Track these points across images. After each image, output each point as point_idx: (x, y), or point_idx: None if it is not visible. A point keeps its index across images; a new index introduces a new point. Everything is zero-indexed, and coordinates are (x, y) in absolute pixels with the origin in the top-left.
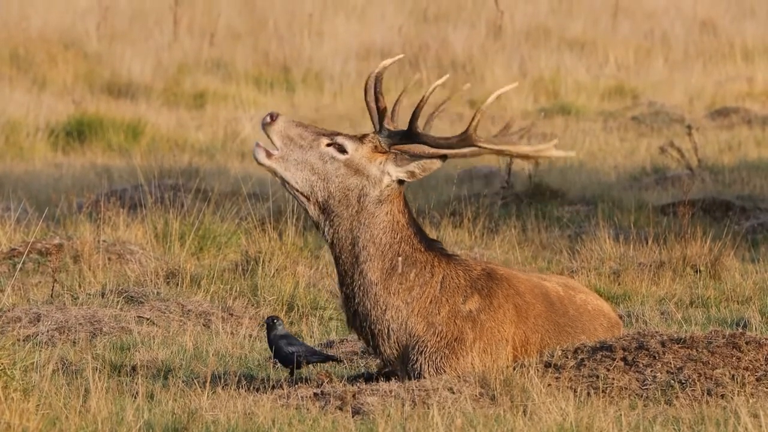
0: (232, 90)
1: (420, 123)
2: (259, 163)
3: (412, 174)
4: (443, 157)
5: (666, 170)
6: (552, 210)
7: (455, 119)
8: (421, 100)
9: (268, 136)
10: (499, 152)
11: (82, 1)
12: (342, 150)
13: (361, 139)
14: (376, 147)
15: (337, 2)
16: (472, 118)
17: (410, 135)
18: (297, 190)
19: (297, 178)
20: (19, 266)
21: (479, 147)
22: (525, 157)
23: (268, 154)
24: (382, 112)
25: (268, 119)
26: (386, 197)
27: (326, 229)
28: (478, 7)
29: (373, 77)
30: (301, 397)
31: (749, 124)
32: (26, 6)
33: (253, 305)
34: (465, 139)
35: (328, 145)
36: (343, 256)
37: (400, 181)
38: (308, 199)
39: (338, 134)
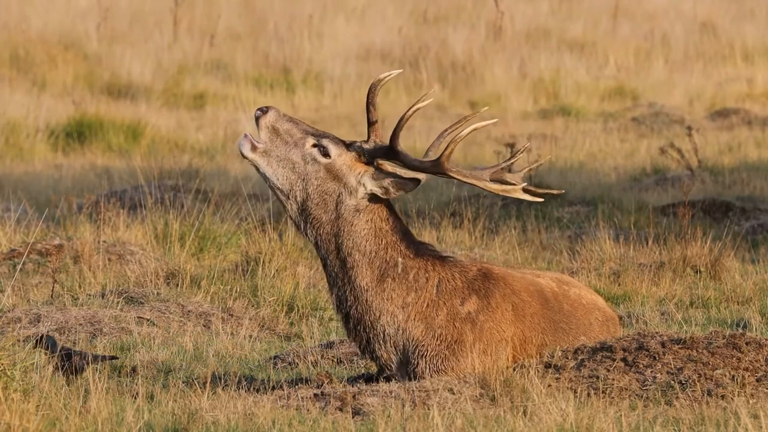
0: (232, 91)
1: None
2: (243, 156)
3: (386, 191)
4: (416, 181)
5: (666, 171)
6: (552, 211)
7: (455, 119)
8: (401, 119)
9: (258, 128)
10: (468, 183)
11: (82, 2)
12: (325, 153)
13: (347, 145)
14: (358, 157)
15: (337, 4)
16: (446, 148)
17: (390, 151)
18: (277, 187)
19: (278, 175)
20: (19, 267)
21: (449, 176)
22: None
23: (253, 147)
24: (372, 124)
25: (259, 113)
26: (365, 207)
27: (307, 231)
28: (478, 8)
29: (372, 89)
30: (301, 398)
31: (749, 125)
32: (26, 7)
33: (253, 306)
34: (437, 166)
35: (314, 146)
36: (330, 259)
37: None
38: (287, 197)
39: (326, 136)
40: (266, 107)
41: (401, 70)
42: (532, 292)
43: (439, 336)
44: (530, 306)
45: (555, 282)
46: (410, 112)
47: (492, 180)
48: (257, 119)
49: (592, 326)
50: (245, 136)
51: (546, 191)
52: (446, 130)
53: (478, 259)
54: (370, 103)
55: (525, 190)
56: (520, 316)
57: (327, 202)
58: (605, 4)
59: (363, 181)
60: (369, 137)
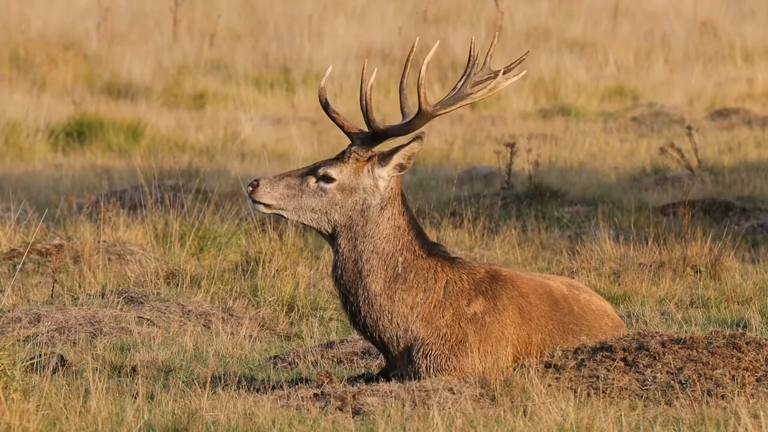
0: (232, 91)
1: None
2: (263, 214)
3: (400, 166)
4: (419, 138)
5: (666, 171)
6: (552, 210)
7: (455, 119)
8: (363, 102)
9: (259, 202)
10: (458, 108)
11: (82, 2)
12: (329, 179)
13: (341, 158)
14: (357, 159)
15: (337, 3)
16: (418, 95)
17: (376, 135)
18: (306, 226)
19: (302, 219)
20: (19, 267)
21: (439, 115)
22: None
23: (266, 205)
24: (342, 126)
25: (250, 189)
26: (387, 200)
27: (336, 247)
28: (478, 7)
29: (322, 99)
30: (302, 398)
31: (749, 125)
32: (26, 7)
33: (253, 306)
34: (422, 116)
35: (316, 181)
36: (345, 276)
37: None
38: (319, 231)
39: (319, 166)
40: (255, 181)
41: (330, 67)
42: (541, 294)
43: (443, 336)
44: (537, 308)
45: (565, 285)
46: (368, 93)
47: (474, 89)
48: (250, 195)
49: (602, 330)
50: (252, 202)
51: (518, 60)
52: (402, 83)
53: (481, 260)
54: (331, 112)
55: (505, 74)
56: (527, 319)
57: (353, 218)
58: (605, 4)
59: (376, 173)
60: (352, 138)
